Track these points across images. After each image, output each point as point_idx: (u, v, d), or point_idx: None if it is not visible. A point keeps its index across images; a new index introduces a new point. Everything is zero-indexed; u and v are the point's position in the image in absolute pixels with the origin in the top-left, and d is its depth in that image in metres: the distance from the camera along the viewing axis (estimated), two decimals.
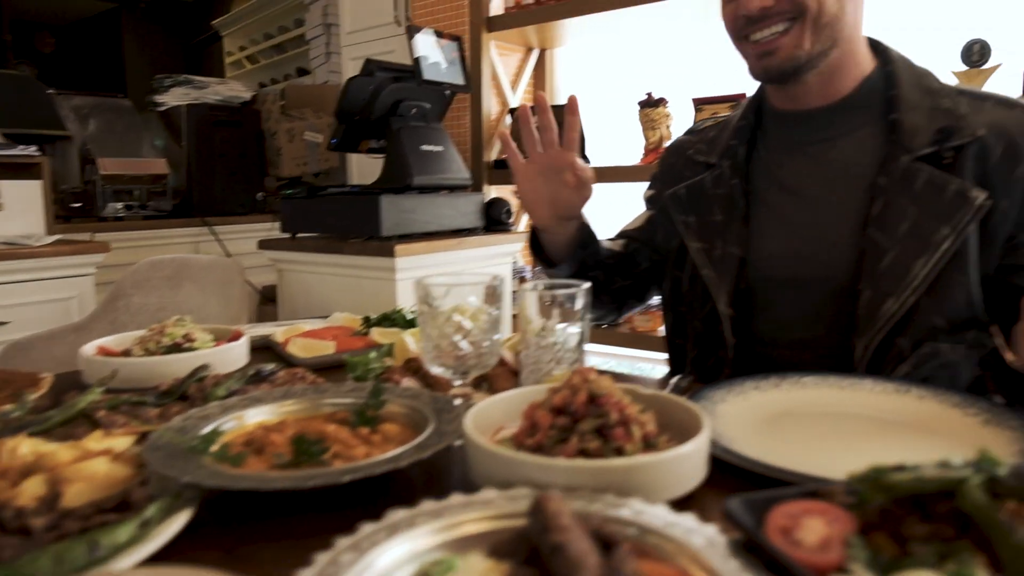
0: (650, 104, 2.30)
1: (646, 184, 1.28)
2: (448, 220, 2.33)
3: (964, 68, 1.76)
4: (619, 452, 0.60)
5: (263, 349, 1.23)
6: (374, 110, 2.17)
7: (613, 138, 2.62)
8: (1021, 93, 1.73)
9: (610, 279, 1.20)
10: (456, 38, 2.33)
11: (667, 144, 1.27)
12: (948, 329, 0.94)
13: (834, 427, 0.77)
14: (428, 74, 2.15)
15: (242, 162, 3.86)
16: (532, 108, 1.08)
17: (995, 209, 0.92)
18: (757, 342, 1.07)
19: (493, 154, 2.73)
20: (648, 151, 2.33)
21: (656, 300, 1.28)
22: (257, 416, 0.77)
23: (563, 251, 1.14)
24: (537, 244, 1.17)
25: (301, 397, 0.81)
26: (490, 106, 2.69)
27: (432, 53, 2.20)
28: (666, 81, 2.57)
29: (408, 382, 0.92)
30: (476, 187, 2.67)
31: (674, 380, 0.94)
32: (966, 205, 0.91)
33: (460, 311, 0.78)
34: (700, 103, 2.20)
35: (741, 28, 0.99)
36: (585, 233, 1.13)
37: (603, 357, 2.79)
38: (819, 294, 1.01)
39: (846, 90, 1.02)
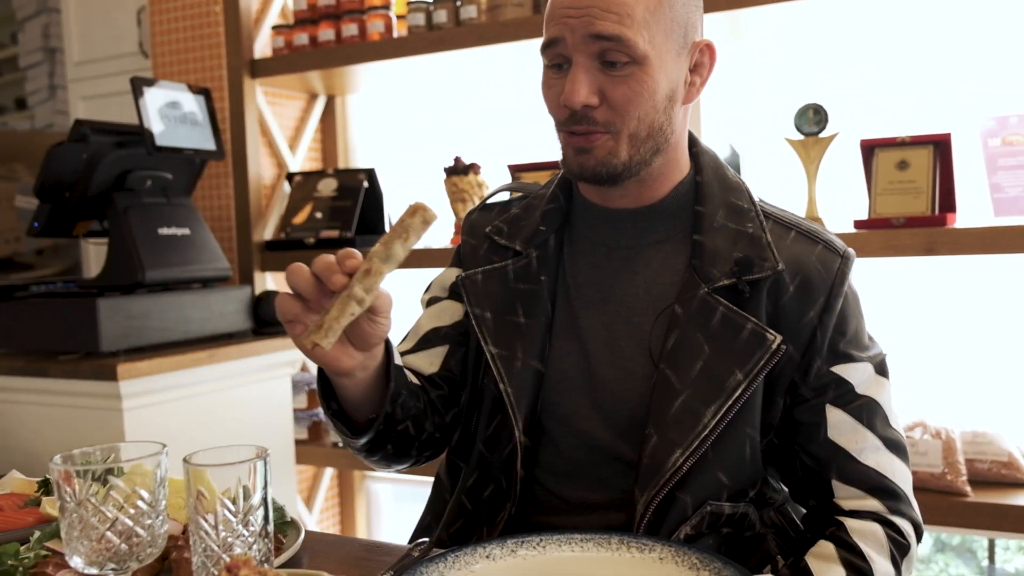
0: (458, 171, 2.51)
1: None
2: (199, 325, 2.41)
3: (799, 136, 2.07)
4: None
5: None
6: (91, 185, 2.25)
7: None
8: (862, 165, 2.06)
9: (420, 429, 1.23)
10: (203, 90, 2.46)
11: (462, 222, 1.39)
12: (731, 485, 1.14)
13: None
14: (164, 139, 2.26)
15: None
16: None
17: (783, 353, 1.14)
18: (544, 476, 1.23)
19: (267, 232, 2.85)
20: (458, 229, 2.52)
21: None
22: None
23: (365, 405, 1.16)
24: (328, 397, 1.16)
25: None
26: (260, 170, 2.82)
27: (171, 111, 2.32)
28: (478, 143, 2.81)
29: None
30: (244, 278, 2.77)
31: (413, 547, 1.08)
32: (762, 348, 1.12)
33: (115, 490, 0.89)
34: (517, 170, 2.43)
35: (562, 120, 1.16)
36: (394, 380, 1.14)
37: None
38: (610, 429, 1.19)
39: (658, 196, 1.22)
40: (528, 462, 1.21)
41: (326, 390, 1.15)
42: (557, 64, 1.15)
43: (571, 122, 1.14)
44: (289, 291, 1.01)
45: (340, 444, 2.74)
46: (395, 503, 3.26)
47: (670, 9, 1.13)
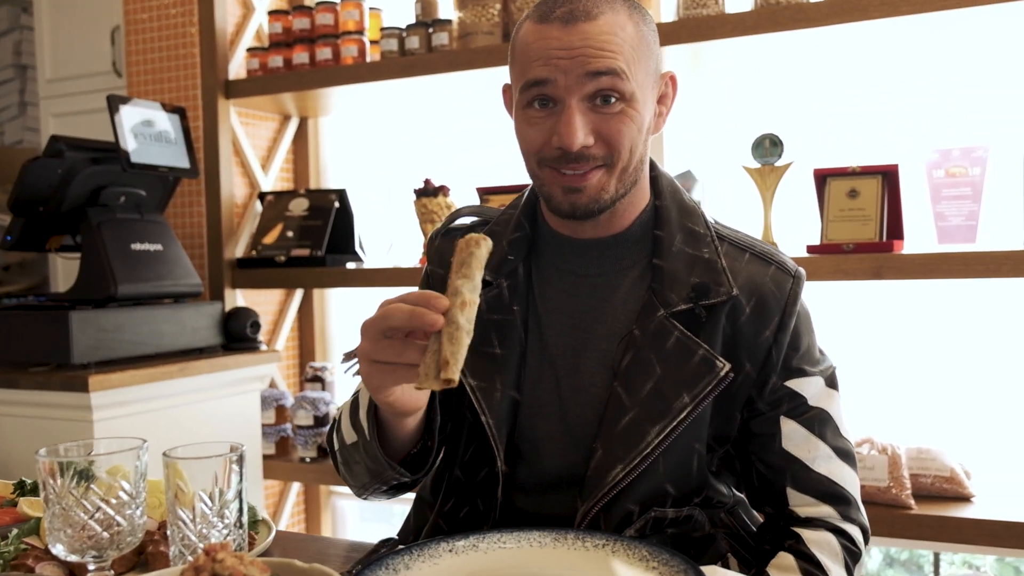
0: (428, 193, 2.57)
1: None
2: (171, 339, 2.44)
3: (756, 165, 2.16)
4: None
5: None
6: (65, 200, 2.28)
7: (388, 232, 2.86)
8: (815, 192, 2.15)
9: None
10: (178, 109, 2.51)
11: (426, 246, 1.41)
12: (675, 494, 1.21)
13: None
14: (138, 156, 2.30)
15: None
16: None
17: (739, 371, 1.20)
18: (516, 495, 1.27)
19: (239, 250, 2.89)
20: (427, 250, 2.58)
21: None
22: None
23: (411, 440, 1.20)
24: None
25: None
26: (233, 189, 2.86)
27: (145, 129, 2.36)
28: (447, 166, 2.88)
29: (47, 568, 1.04)
30: (215, 294, 2.81)
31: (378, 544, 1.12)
32: (710, 374, 1.17)
33: (97, 481, 0.93)
34: (485, 193, 2.49)
35: (551, 158, 1.18)
36: (431, 414, 1.21)
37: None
38: (578, 451, 1.24)
39: (625, 225, 1.26)
40: (505, 486, 1.25)
41: (376, 437, 1.17)
42: (541, 103, 1.17)
43: (565, 161, 1.16)
44: (374, 360, 1.02)
45: (308, 459, 2.78)
46: (361, 521, 3.28)
47: (647, 46, 1.19)
